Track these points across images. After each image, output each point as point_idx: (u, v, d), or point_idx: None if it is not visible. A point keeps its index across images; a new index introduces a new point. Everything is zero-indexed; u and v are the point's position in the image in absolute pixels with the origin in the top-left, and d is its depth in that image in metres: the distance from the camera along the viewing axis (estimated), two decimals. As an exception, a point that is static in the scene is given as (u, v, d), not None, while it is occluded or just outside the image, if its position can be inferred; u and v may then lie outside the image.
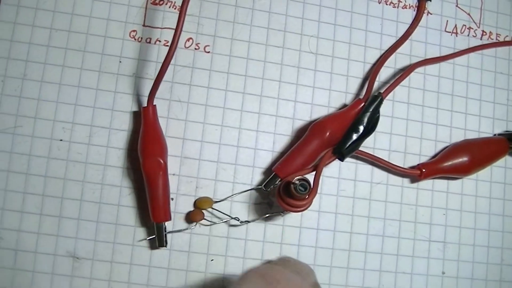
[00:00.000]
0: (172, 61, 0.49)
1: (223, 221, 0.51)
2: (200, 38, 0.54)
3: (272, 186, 0.51)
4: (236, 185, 0.52)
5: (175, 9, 0.54)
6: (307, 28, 0.56)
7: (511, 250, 0.56)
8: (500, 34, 0.60)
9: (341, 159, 0.51)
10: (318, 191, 0.52)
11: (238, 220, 0.51)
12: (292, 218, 0.53)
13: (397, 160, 0.55)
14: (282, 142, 0.54)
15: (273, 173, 0.51)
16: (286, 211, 0.50)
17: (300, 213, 0.52)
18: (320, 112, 0.55)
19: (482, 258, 0.56)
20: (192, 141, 0.52)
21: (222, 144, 0.52)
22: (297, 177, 0.47)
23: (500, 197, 0.57)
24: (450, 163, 0.54)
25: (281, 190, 0.48)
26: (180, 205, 0.51)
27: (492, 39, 0.59)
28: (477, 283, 0.55)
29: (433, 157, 0.56)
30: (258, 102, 0.54)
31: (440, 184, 0.56)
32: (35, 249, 0.49)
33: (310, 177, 0.48)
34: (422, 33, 0.58)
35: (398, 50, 0.56)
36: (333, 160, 0.51)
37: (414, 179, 0.55)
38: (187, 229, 0.51)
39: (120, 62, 0.52)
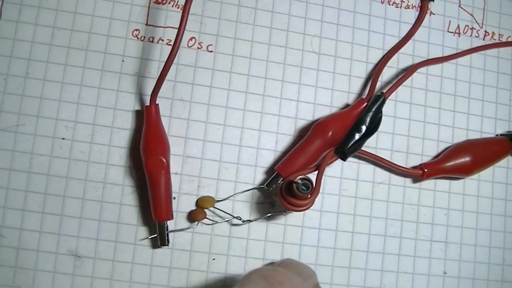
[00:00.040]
0: (175, 60, 0.49)
1: (225, 220, 0.51)
2: (203, 37, 0.54)
3: (274, 186, 0.51)
4: (238, 184, 0.52)
5: (178, 8, 0.54)
6: (310, 28, 0.56)
7: (513, 250, 0.56)
8: (502, 35, 0.60)
9: (344, 159, 0.51)
10: (320, 190, 0.51)
11: (240, 219, 0.51)
12: (294, 217, 0.53)
13: (399, 160, 0.55)
14: (284, 141, 0.54)
15: (276, 173, 0.51)
16: (288, 211, 0.50)
17: (302, 212, 0.52)
18: (323, 112, 0.55)
19: (483, 258, 0.56)
20: (195, 140, 0.52)
21: (224, 143, 0.52)
22: (300, 177, 0.47)
23: (502, 198, 0.57)
24: (452, 163, 0.54)
25: (283, 189, 0.48)
26: (182, 204, 0.51)
27: (495, 39, 0.59)
28: (479, 283, 0.55)
29: (435, 157, 0.56)
30: (261, 101, 0.54)
31: (442, 184, 0.56)
32: (37, 248, 0.49)
33: (312, 176, 0.48)
34: (424, 33, 0.58)
35: (401, 50, 0.56)
36: (335, 159, 0.51)
37: (416, 179, 0.55)
38: (189, 228, 0.51)
39: (123, 61, 0.52)
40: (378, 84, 0.55)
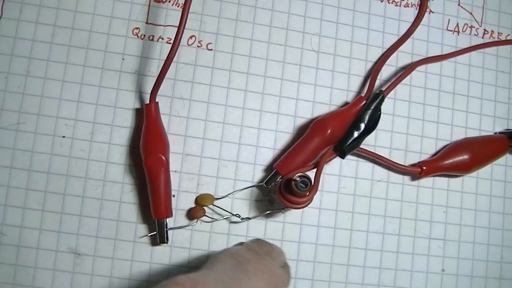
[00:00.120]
0: (175, 59, 0.49)
1: (224, 218, 0.52)
2: (203, 36, 0.54)
3: (273, 183, 0.51)
4: (237, 182, 0.52)
5: (178, 6, 0.54)
6: (309, 26, 0.56)
7: (511, 248, 0.56)
8: (501, 33, 0.60)
9: (342, 157, 0.51)
10: (319, 188, 0.52)
11: (239, 217, 0.51)
12: (292, 215, 0.53)
13: (398, 158, 0.55)
14: (283, 139, 0.54)
15: (274, 170, 0.51)
16: (287, 208, 0.50)
17: (300, 210, 0.52)
18: (322, 110, 0.55)
19: (482, 256, 0.56)
20: (194, 138, 0.52)
21: (223, 141, 0.53)
22: (298, 174, 0.47)
23: (501, 195, 0.57)
24: (450, 161, 0.54)
25: (282, 187, 0.48)
26: (182, 201, 0.51)
27: (494, 37, 0.59)
28: (477, 281, 0.55)
29: (434, 155, 0.56)
30: (260, 99, 0.54)
31: (440, 182, 0.56)
32: (37, 245, 0.49)
33: (311, 174, 0.48)
34: (424, 31, 0.58)
35: (400, 49, 0.57)
36: (334, 157, 0.51)
37: (415, 176, 0.55)
38: (188, 225, 0.51)
39: (123, 59, 0.52)
40: (377, 82, 0.55)
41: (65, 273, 0.49)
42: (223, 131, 0.53)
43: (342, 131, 0.51)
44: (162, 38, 0.53)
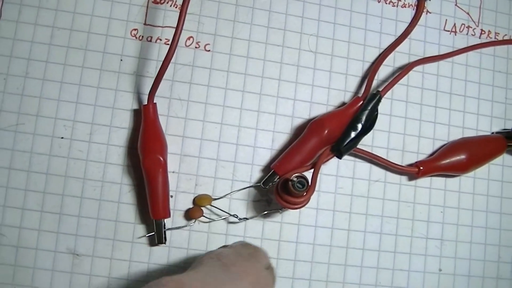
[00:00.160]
0: (173, 60, 0.50)
1: (222, 218, 0.52)
2: (201, 37, 0.54)
3: (270, 184, 0.52)
4: (235, 182, 0.53)
5: (176, 7, 0.54)
6: (306, 27, 0.56)
7: (508, 247, 0.57)
8: (498, 33, 0.60)
9: (339, 157, 0.51)
10: (316, 188, 0.52)
11: (237, 217, 0.52)
12: (290, 215, 0.53)
13: (395, 158, 0.55)
14: (281, 140, 0.54)
15: (272, 171, 0.52)
16: (284, 208, 0.51)
17: (298, 210, 0.52)
18: (319, 110, 0.55)
19: (479, 256, 0.56)
20: (192, 139, 0.53)
21: (221, 142, 0.53)
22: (295, 175, 0.47)
23: (498, 195, 0.57)
24: (447, 161, 0.55)
25: (279, 187, 0.48)
26: (180, 202, 0.52)
27: (491, 37, 0.60)
28: (474, 280, 0.56)
29: (431, 155, 0.56)
30: (258, 100, 0.54)
31: (437, 181, 0.56)
32: (36, 246, 0.49)
33: (309, 174, 0.48)
34: (421, 32, 0.58)
35: (397, 49, 0.57)
36: (331, 157, 0.51)
37: (412, 176, 0.56)
38: (186, 226, 0.51)
39: (121, 60, 0.53)
40: (374, 83, 0.55)
41: (63, 273, 0.49)
42: (221, 131, 0.53)
43: (339, 132, 0.51)
44: (160, 39, 0.54)
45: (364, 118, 0.52)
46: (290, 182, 0.47)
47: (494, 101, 0.58)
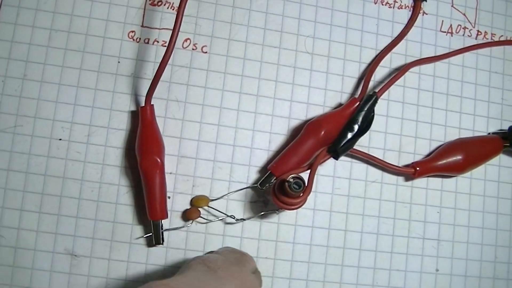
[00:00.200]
0: (170, 61, 0.50)
1: (219, 219, 0.52)
2: (198, 39, 0.54)
3: (267, 185, 0.52)
4: (232, 183, 0.53)
5: (173, 10, 0.54)
6: (303, 29, 0.56)
7: (504, 247, 0.57)
8: (495, 34, 0.60)
9: (336, 158, 0.51)
10: (313, 189, 0.52)
11: (234, 218, 0.52)
12: (287, 216, 0.53)
13: (391, 159, 0.55)
14: (278, 141, 0.54)
15: (269, 172, 0.52)
16: (281, 209, 0.51)
17: (295, 211, 0.52)
18: (316, 112, 0.55)
19: (475, 256, 0.56)
20: (189, 140, 0.53)
21: (218, 143, 0.53)
22: (292, 175, 0.47)
23: (494, 195, 0.57)
24: (444, 161, 0.55)
25: (276, 188, 0.49)
26: (177, 203, 0.52)
27: (487, 38, 0.60)
28: (471, 281, 0.56)
29: (428, 155, 0.56)
30: (255, 101, 0.54)
31: (434, 182, 0.56)
32: (34, 247, 0.50)
33: (305, 175, 0.49)
34: (417, 33, 0.58)
35: (394, 50, 0.57)
36: (328, 158, 0.52)
37: (409, 177, 0.56)
38: (183, 227, 0.51)
39: (119, 62, 0.53)
40: (371, 84, 0.56)
41: (62, 274, 0.50)
42: (218, 133, 0.53)
43: (336, 133, 0.52)
44: (158, 41, 0.54)
45: (360, 119, 0.52)
46: (286, 183, 0.47)
47: (490, 102, 0.59)
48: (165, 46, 0.53)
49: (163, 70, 0.48)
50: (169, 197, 0.51)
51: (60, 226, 0.50)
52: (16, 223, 0.50)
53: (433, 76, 0.58)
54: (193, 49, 0.54)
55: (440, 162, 0.55)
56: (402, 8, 0.58)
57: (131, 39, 0.53)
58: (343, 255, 0.54)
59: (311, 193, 0.50)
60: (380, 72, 0.57)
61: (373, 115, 0.52)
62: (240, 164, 0.53)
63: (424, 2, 0.58)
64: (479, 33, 0.60)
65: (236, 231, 0.52)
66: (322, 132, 0.51)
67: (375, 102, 0.53)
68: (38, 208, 0.50)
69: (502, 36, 0.60)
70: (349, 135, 0.51)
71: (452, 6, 0.59)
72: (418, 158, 0.56)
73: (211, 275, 0.40)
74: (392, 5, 0.58)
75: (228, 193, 0.52)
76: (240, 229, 0.52)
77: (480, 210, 0.57)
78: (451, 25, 0.59)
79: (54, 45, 0.52)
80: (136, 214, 0.51)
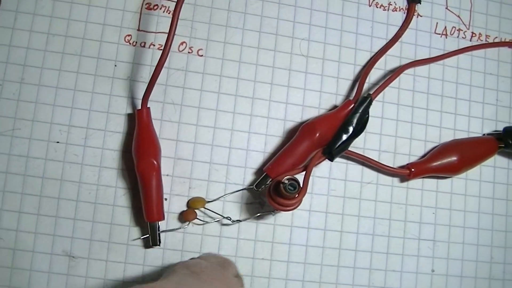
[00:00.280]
0: (166, 65, 0.50)
1: (216, 220, 0.52)
2: (194, 42, 0.55)
3: (263, 186, 0.52)
4: (228, 185, 0.53)
5: (169, 13, 0.55)
6: (298, 31, 0.57)
7: (500, 248, 0.57)
8: (489, 36, 0.60)
9: (331, 159, 0.51)
10: (309, 190, 0.53)
11: (230, 220, 0.52)
12: (283, 217, 0.54)
13: (387, 160, 0.56)
14: (273, 143, 0.55)
15: (264, 173, 0.52)
16: (277, 210, 0.51)
17: (290, 212, 0.53)
18: (311, 114, 0.55)
19: (471, 256, 0.56)
20: (185, 143, 0.53)
21: (214, 145, 0.54)
22: (287, 177, 0.48)
23: (489, 196, 0.58)
24: (439, 162, 0.55)
25: (272, 189, 0.49)
26: (174, 205, 0.52)
27: (482, 40, 0.60)
28: (467, 281, 0.56)
29: (423, 157, 0.57)
30: (250, 104, 0.55)
31: (429, 183, 0.57)
32: (32, 249, 0.50)
33: (301, 177, 0.49)
34: (412, 35, 0.59)
35: (388, 52, 0.57)
36: (323, 160, 0.52)
37: (404, 178, 0.56)
38: (180, 228, 0.52)
39: (115, 65, 0.53)
40: (366, 86, 0.56)
41: (60, 275, 0.50)
42: (214, 135, 0.54)
43: (331, 134, 0.52)
44: (154, 45, 0.54)
45: (355, 121, 0.52)
46: (281, 185, 0.47)
47: (485, 103, 0.59)
48: (161, 49, 0.53)
49: (159, 73, 0.49)
50: (165, 199, 0.52)
51: (58, 228, 0.50)
52: (15, 225, 0.50)
53: (427, 77, 0.58)
54: (189, 52, 0.55)
55: (435, 163, 0.55)
56: (396, 11, 0.59)
57: (128, 43, 0.54)
58: (339, 256, 0.54)
59: (307, 194, 0.50)
60: (374, 74, 0.57)
61: (368, 117, 0.53)
62: (236, 166, 0.54)
63: (418, 4, 0.59)
64: (474, 35, 0.60)
65: (233, 232, 0.53)
66: (317, 134, 0.52)
67: (370, 104, 0.53)
68: (36, 210, 0.50)
69: (496, 37, 0.60)
70: (344, 137, 0.52)
71: (446, 8, 0.60)
72: (413, 159, 0.57)
73: (194, 278, 0.41)
74: (386, 8, 0.58)
75: (225, 195, 0.53)
76: (237, 231, 0.53)
77: (476, 211, 0.57)
78: (445, 27, 0.59)
79: (52, 49, 0.53)
80: (133, 216, 0.51)
